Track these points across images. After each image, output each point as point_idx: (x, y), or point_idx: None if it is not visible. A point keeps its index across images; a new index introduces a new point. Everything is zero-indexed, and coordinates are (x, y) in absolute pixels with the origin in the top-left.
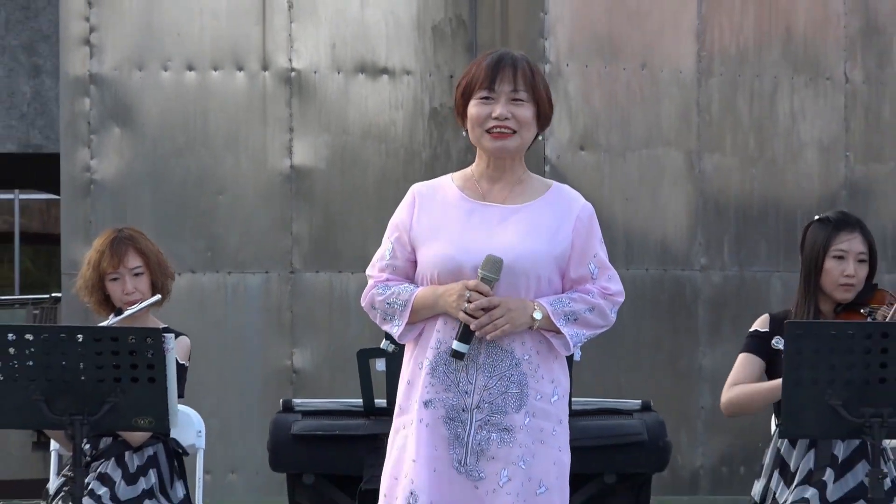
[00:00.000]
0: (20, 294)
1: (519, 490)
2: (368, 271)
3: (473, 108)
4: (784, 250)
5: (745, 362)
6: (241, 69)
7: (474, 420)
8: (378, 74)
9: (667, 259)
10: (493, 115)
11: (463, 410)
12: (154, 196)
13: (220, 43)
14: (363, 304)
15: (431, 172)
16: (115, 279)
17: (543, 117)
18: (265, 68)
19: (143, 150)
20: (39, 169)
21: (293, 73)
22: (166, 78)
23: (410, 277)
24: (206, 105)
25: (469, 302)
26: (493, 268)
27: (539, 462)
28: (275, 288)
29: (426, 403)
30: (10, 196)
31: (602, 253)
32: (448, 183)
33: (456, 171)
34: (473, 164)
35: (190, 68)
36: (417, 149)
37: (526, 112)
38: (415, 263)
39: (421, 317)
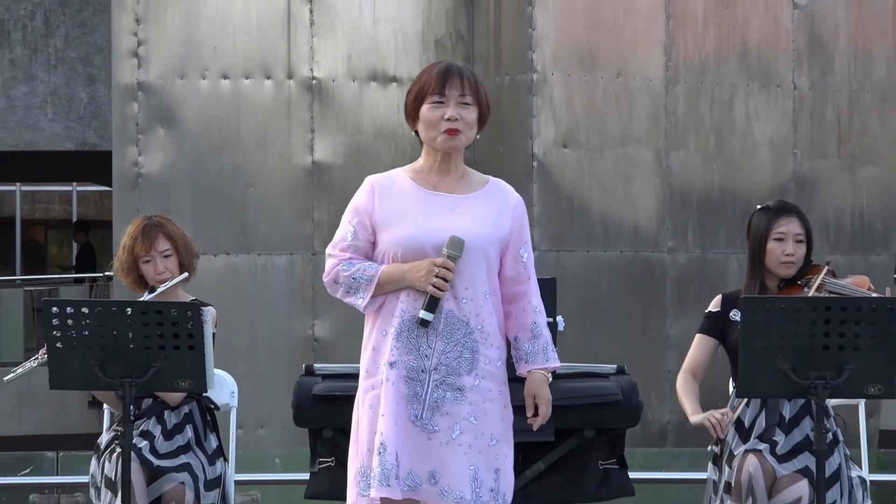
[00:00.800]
0: (77, 272)
1: (472, 443)
2: (330, 251)
3: (427, 112)
4: (740, 235)
5: (698, 344)
6: (268, 78)
7: (431, 380)
8: (388, 82)
9: (638, 242)
10: (445, 116)
11: (422, 371)
12: (193, 188)
13: (250, 55)
14: (325, 280)
15: None
16: (147, 261)
17: (483, 118)
18: (290, 77)
19: (184, 148)
20: (94, 164)
21: (314, 82)
22: (204, 85)
23: (369, 256)
24: (239, 109)
25: (437, 277)
26: (458, 247)
27: (490, 419)
28: (298, 268)
29: (391, 364)
30: (69, 188)
31: (529, 238)
32: (401, 175)
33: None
34: (421, 160)
35: (224, 77)
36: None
37: (471, 114)
38: (373, 245)
39: (385, 290)
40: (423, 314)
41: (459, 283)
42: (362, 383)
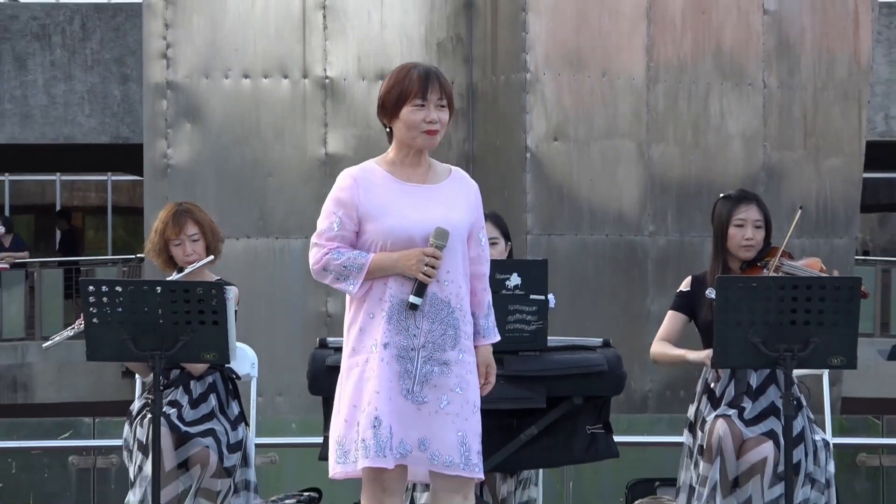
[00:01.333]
0: (112, 255)
1: (458, 411)
2: (316, 240)
3: (409, 114)
4: None
5: (671, 319)
6: (285, 77)
7: (420, 357)
8: None
9: (622, 227)
10: (427, 119)
11: (411, 349)
12: (217, 177)
13: (269, 56)
14: (314, 268)
15: (435, 157)
16: (177, 244)
17: (451, 118)
18: (305, 76)
19: (209, 141)
20: (127, 156)
21: (327, 81)
22: (227, 84)
23: (354, 245)
24: (258, 105)
25: (427, 266)
26: (444, 237)
27: (472, 388)
28: None
29: (385, 345)
30: (105, 178)
31: (484, 222)
32: (375, 167)
33: (456, 155)
34: (392, 153)
35: (245, 76)
36: None
37: (446, 116)
38: (357, 234)
39: (373, 277)
40: (413, 299)
41: (441, 266)
42: (347, 360)
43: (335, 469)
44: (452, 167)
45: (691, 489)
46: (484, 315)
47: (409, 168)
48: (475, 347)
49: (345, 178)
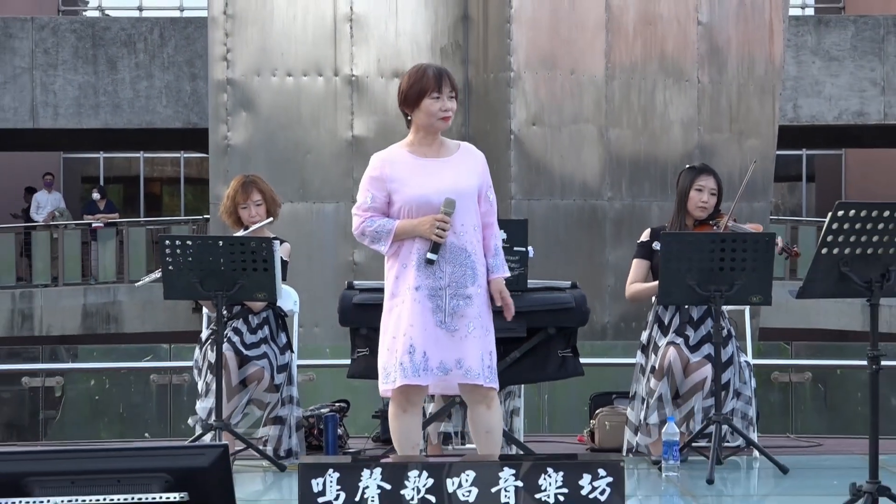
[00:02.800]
0: (184, 216)
1: (481, 335)
2: (355, 211)
3: (429, 105)
4: (659, 189)
5: (636, 266)
6: (320, 75)
7: (447, 294)
8: None
9: (586, 193)
10: (443, 108)
11: (440, 289)
12: (266, 155)
13: (308, 59)
14: (355, 233)
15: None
16: (244, 208)
17: (458, 104)
18: (336, 75)
19: (260, 126)
20: (196, 138)
21: (353, 78)
22: (274, 81)
23: (386, 213)
24: (299, 98)
25: (438, 228)
26: (451, 205)
27: (488, 316)
28: (342, 212)
29: (416, 288)
30: (178, 155)
31: (491, 183)
32: (399, 149)
33: (455, 137)
34: (411, 136)
35: (289, 75)
36: None
37: (455, 104)
38: (387, 205)
39: (399, 238)
40: (429, 255)
41: (457, 220)
42: (387, 302)
43: (384, 387)
44: (462, 142)
45: (642, 400)
46: (492, 255)
47: (426, 146)
48: (488, 282)
49: (375, 160)
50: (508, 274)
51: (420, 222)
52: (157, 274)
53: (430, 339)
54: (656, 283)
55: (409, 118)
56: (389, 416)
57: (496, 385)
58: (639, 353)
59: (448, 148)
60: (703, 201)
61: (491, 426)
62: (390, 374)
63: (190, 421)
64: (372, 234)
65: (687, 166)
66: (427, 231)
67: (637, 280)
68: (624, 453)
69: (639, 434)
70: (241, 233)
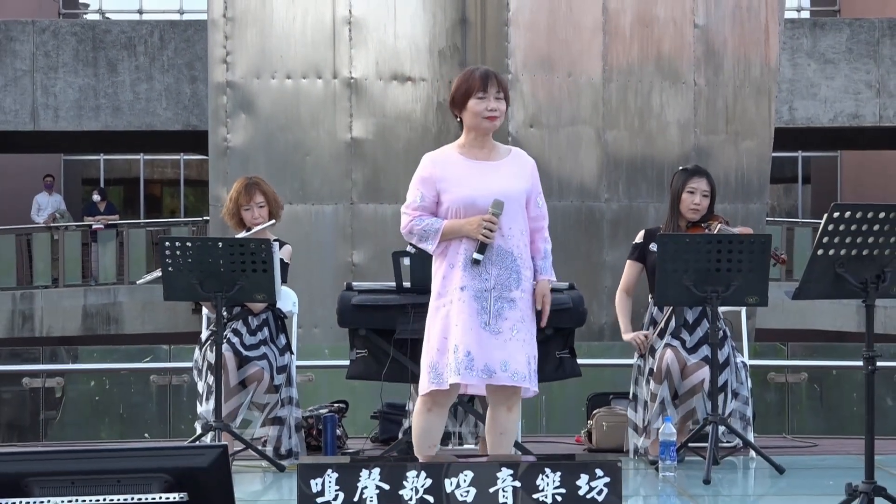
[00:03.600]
0: (184, 217)
1: (525, 337)
2: (404, 210)
3: (474, 105)
4: (656, 190)
5: (628, 268)
6: (319, 77)
7: (493, 296)
8: (404, 81)
9: (584, 195)
10: (489, 108)
11: (485, 291)
12: (266, 156)
13: (306, 61)
14: (403, 231)
15: (437, 142)
16: (246, 209)
17: (507, 107)
18: (335, 77)
19: (259, 128)
20: (196, 140)
21: (352, 80)
22: (273, 83)
23: (434, 213)
24: (298, 100)
25: (486, 229)
26: (499, 207)
27: (532, 321)
28: (341, 213)
29: (462, 288)
30: (178, 157)
31: (541, 189)
32: (450, 151)
33: (452, 141)
34: (462, 138)
35: (288, 77)
36: (429, 127)
37: (503, 105)
38: (436, 205)
39: (446, 238)
40: (475, 255)
41: (505, 224)
42: (434, 302)
43: (429, 387)
44: (513, 148)
45: (645, 403)
46: (541, 258)
47: (476, 149)
48: (533, 287)
49: (425, 160)
50: (555, 278)
51: (467, 222)
52: (158, 273)
53: (474, 341)
54: (624, 326)
55: (459, 119)
56: (414, 413)
57: (537, 389)
58: (636, 354)
59: (499, 152)
60: (695, 203)
61: (507, 428)
62: (442, 373)
63: (197, 425)
64: (420, 232)
65: (680, 168)
66: (474, 231)
67: (628, 283)
68: (631, 455)
69: (642, 437)
70: (243, 234)
